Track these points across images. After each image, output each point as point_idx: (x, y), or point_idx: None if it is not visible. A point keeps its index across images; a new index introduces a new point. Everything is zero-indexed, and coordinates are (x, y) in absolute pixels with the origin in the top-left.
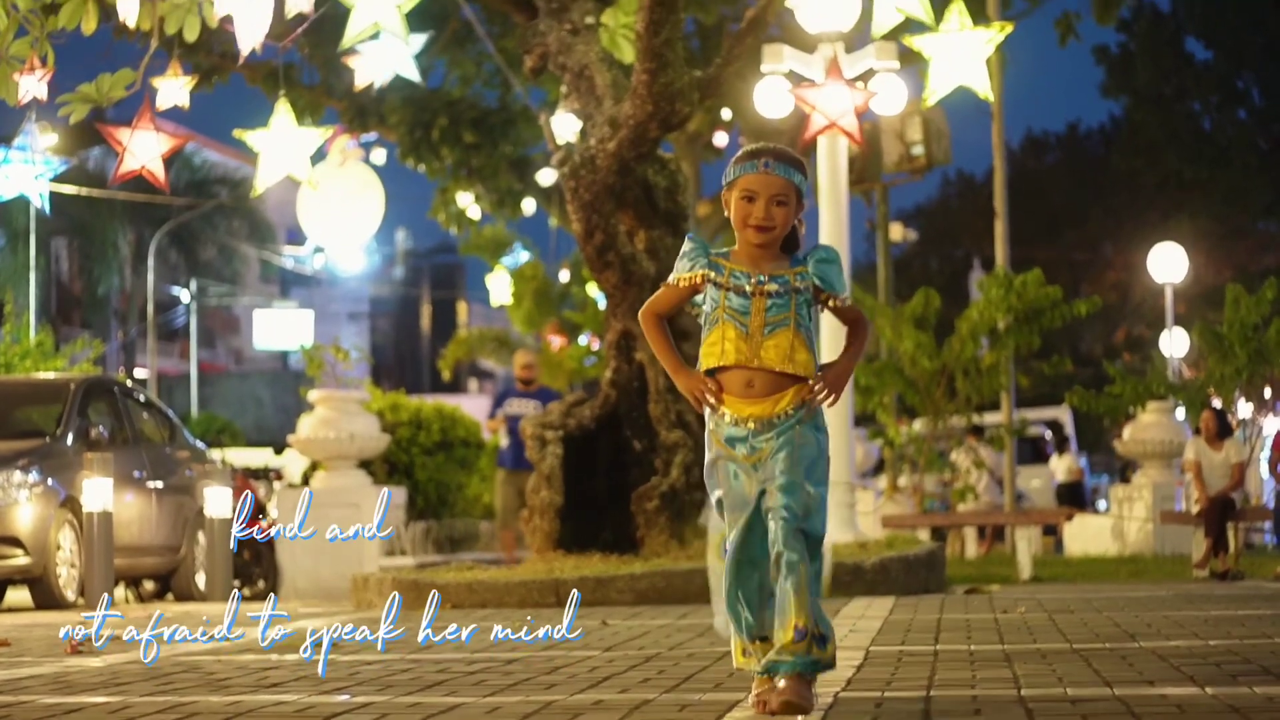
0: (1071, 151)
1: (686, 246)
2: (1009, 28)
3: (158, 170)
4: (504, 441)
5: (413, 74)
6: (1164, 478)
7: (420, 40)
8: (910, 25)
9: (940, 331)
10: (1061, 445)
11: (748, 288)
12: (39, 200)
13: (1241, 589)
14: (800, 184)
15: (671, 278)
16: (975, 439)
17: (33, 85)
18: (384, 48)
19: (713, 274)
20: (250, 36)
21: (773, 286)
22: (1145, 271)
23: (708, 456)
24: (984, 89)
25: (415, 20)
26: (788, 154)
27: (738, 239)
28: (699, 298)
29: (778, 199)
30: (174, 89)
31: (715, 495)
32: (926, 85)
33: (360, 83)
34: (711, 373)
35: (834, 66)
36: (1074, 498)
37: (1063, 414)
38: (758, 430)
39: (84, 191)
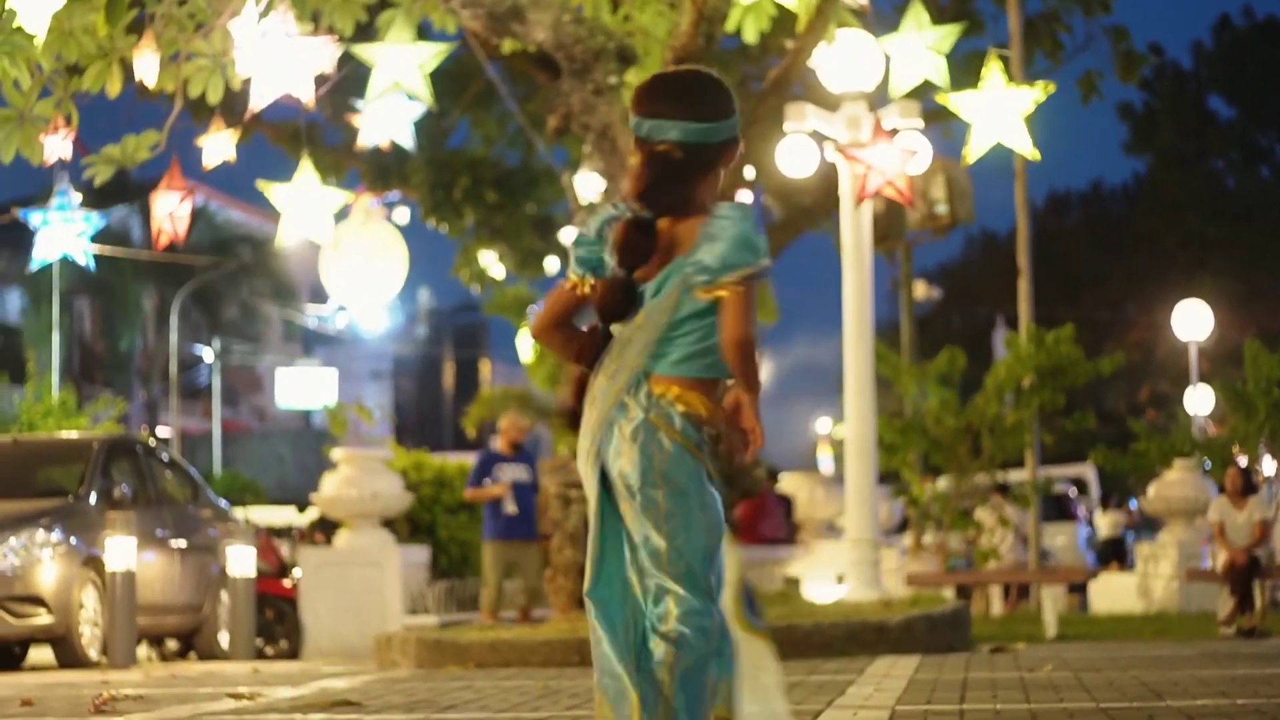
0: (1094, 210)
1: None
2: (1051, 88)
3: (167, 226)
4: (512, 509)
5: (407, 140)
6: (1189, 535)
7: (421, 108)
8: (934, 86)
9: (962, 389)
10: (1105, 500)
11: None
12: (83, 258)
13: (1268, 647)
14: (690, 129)
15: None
16: (1001, 497)
17: (58, 145)
18: (386, 109)
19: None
20: (265, 94)
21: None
22: (1169, 329)
23: None
24: (1026, 148)
25: (438, 80)
26: (667, 87)
27: None
28: None
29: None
30: (220, 144)
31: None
32: (967, 144)
33: (363, 142)
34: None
35: (878, 127)
36: (1117, 553)
37: (1087, 471)
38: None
39: (107, 251)
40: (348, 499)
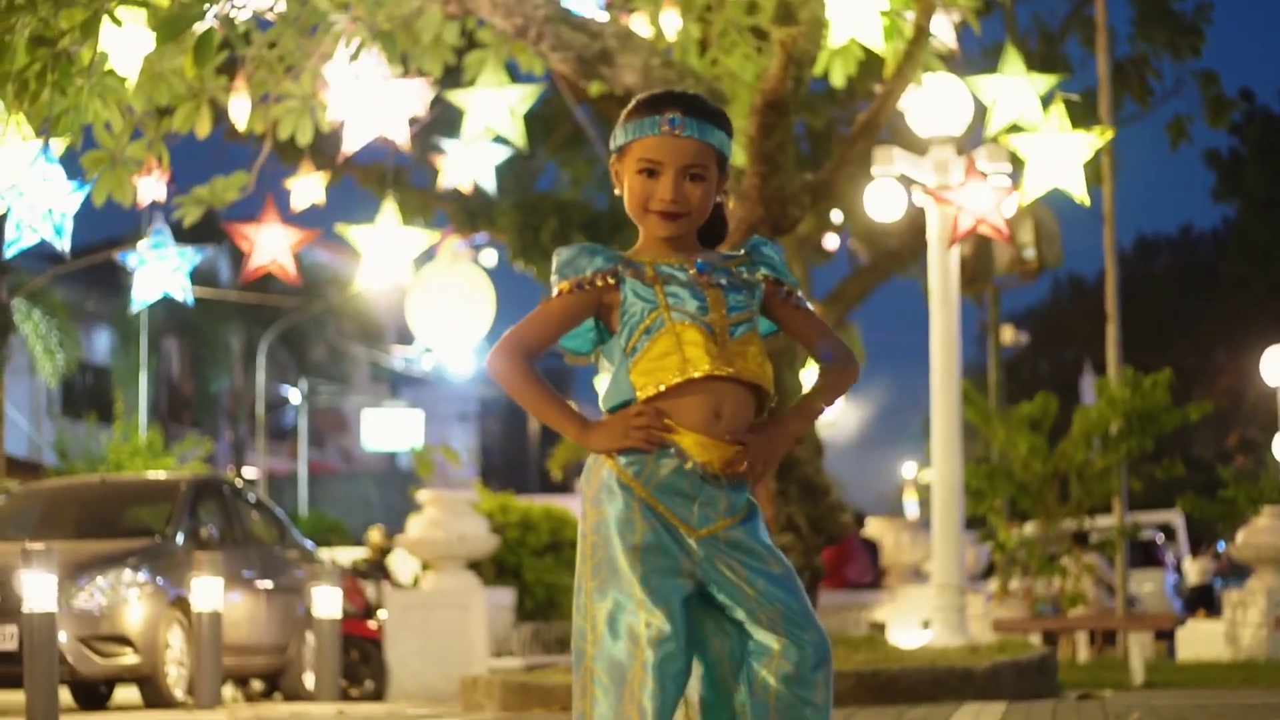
0: (1182, 255)
1: (567, 252)
2: (1109, 133)
3: (288, 264)
4: None
5: (490, 184)
6: (1278, 583)
7: (505, 152)
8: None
9: (1050, 435)
10: (1196, 547)
11: (683, 279)
12: (181, 294)
13: None
14: (722, 146)
15: (561, 284)
16: (1080, 547)
17: (151, 187)
18: (471, 151)
19: (627, 271)
20: (359, 136)
21: (720, 279)
22: (1258, 375)
23: (597, 505)
24: (1080, 193)
25: (527, 123)
26: (702, 104)
27: (640, 230)
28: (576, 342)
29: (691, 171)
30: (309, 187)
31: (598, 565)
32: (1020, 186)
33: (443, 183)
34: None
35: (971, 167)
36: (1205, 600)
37: (1175, 518)
38: (715, 489)
39: (195, 292)
40: (434, 541)
